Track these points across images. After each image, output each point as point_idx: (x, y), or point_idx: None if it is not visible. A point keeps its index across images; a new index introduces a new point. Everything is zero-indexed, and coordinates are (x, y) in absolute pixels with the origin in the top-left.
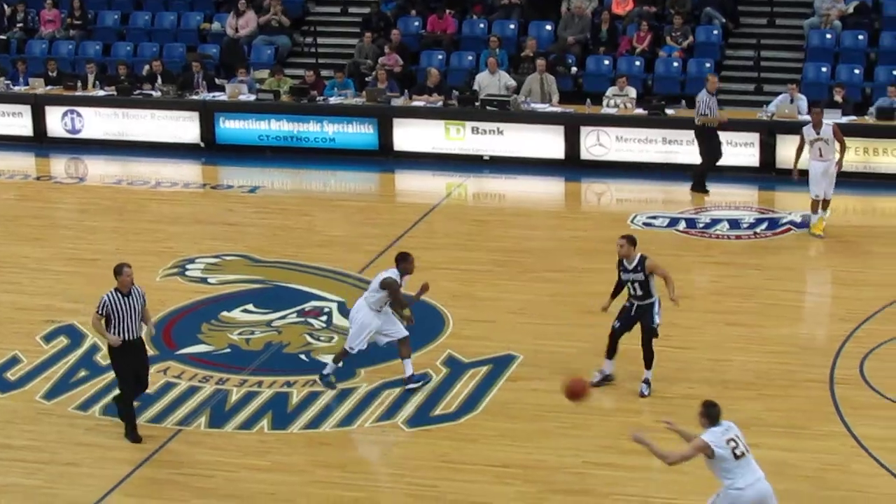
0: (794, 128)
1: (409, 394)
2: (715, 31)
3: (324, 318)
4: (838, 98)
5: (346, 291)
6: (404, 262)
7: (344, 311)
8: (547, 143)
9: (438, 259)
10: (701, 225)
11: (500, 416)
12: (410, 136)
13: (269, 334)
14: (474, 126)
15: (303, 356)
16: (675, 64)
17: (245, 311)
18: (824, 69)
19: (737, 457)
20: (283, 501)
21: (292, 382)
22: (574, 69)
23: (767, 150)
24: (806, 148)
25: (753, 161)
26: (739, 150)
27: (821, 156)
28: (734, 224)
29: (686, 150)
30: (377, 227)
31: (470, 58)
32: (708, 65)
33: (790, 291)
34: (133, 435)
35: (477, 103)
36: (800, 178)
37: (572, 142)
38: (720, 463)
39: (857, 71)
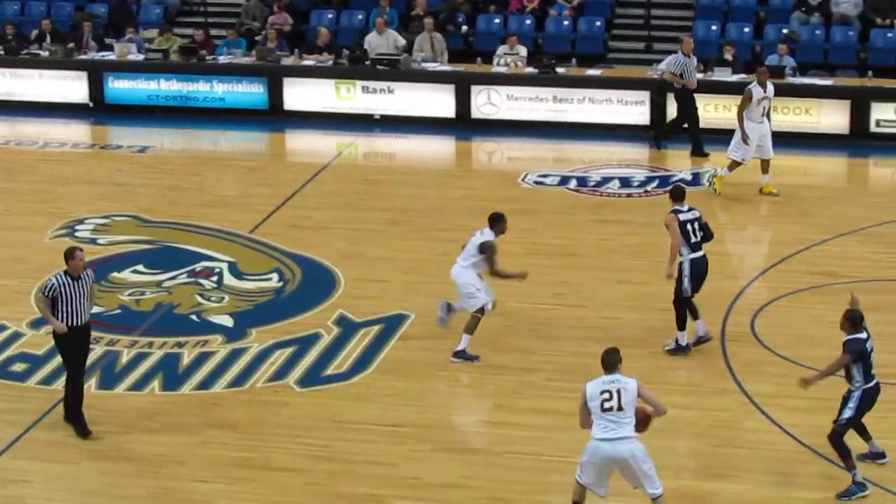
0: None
1: (301, 354)
2: None
3: (214, 278)
4: (728, 56)
5: (236, 251)
6: (500, 223)
7: (235, 271)
8: (438, 102)
9: (329, 219)
10: (592, 183)
11: (392, 376)
12: (301, 95)
13: (159, 295)
14: (365, 85)
15: (194, 317)
16: (566, 22)
17: (135, 271)
18: (714, 27)
19: (603, 410)
20: (175, 462)
21: (183, 343)
22: (464, 28)
23: (658, 108)
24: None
25: (644, 119)
26: (630, 108)
27: (763, 115)
28: (625, 182)
29: (576, 109)
30: (267, 186)
31: (360, 17)
32: (598, 23)
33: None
34: (83, 429)
35: (367, 62)
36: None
37: (463, 101)
38: (591, 412)
39: (746, 29)
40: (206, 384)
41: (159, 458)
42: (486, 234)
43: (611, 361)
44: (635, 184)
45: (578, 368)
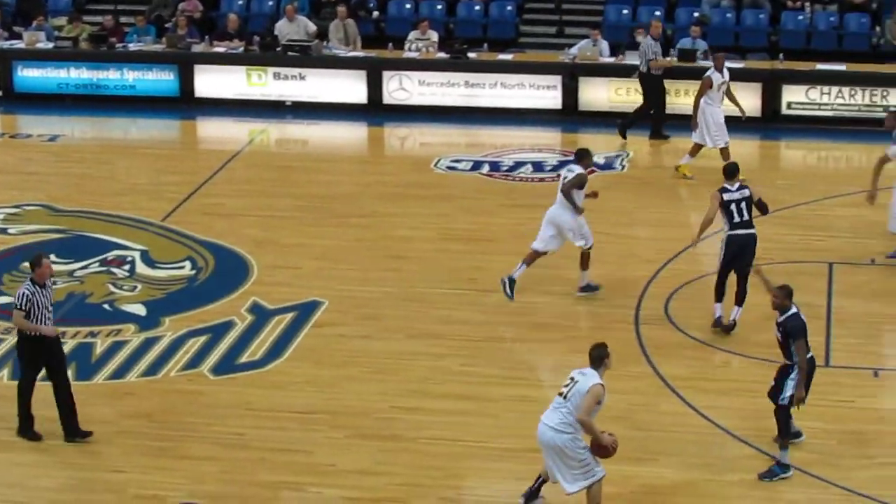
0: (595, 71)
1: (214, 342)
2: None
3: (126, 266)
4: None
5: (149, 240)
6: (587, 157)
7: (147, 259)
8: (349, 88)
9: (242, 206)
10: (504, 168)
11: (306, 363)
12: (212, 82)
13: (71, 284)
14: (276, 72)
15: (106, 306)
16: (477, 7)
17: None
18: (625, 11)
19: (559, 392)
20: (89, 453)
21: (96, 333)
22: (376, 13)
23: (570, 92)
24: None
25: (556, 104)
26: (542, 92)
27: (722, 100)
28: (538, 167)
29: (488, 94)
30: (179, 174)
31: (270, 3)
32: (509, 8)
33: (595, 233)
34: (31, 432)
35: (278, 49)
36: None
37: (375, 86)
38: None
39: (657, 13)
40: (119, 374)
41: (73, 448)
42: (577, 169)
43: (591, 355)
44: (548, 168)
45: (492, 353)
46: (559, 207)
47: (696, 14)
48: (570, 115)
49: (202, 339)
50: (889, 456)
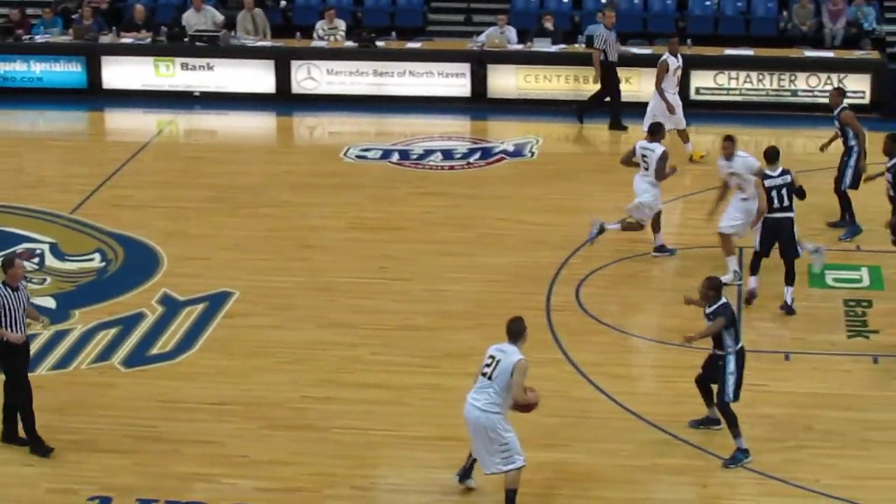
0: (503, 58)
1: (125, 334)
2: None
3: (36, 259)
4: (548, 26)
5: (58, 232)
6: (659, 132)
7: (56, 252)
8: (258, 77)
9: (151, 197)
10: (414, 156)
11: (217, 354)
12: (119, 73)
13: None
14: (184, 62)
15: None
16: None
17: None
18: None
19: (481, 373)
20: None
21: None
22: (283, 3)
23: (478, 80)
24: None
25: (465, 91)
26: (451, 80)
27: (676, 85)
28: (447, 155)
29: (397, 82)
30: (87, 166)
31: None
32: None
33: (505, 220)
34: (44, 448)
35: (186, 39)
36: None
37: (283, 76)
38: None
39: (565, 0)
40: (29, 367)
41: None
42: (658, 148)
43: (509, 330)
44: (457, 156)
45: (403, 342)
46: (643, 182)
47: (603, 0)
48: (478, 103)
49: (113, 331)
50: (800, 439)
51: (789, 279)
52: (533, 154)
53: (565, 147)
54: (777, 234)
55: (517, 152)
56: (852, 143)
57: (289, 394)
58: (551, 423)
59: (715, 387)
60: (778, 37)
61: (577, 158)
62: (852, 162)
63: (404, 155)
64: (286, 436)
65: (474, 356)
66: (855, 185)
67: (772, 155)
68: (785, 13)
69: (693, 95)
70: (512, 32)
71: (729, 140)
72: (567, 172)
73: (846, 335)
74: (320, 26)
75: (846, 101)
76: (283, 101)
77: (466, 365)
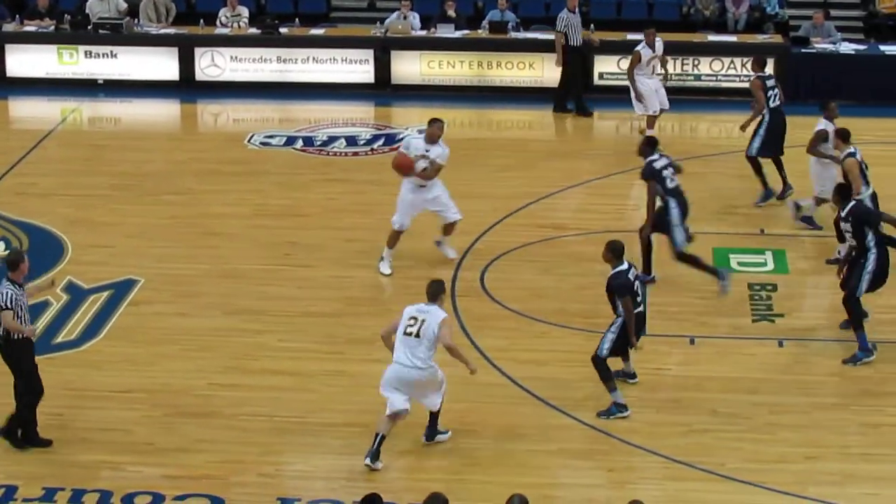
0: (407, 44)
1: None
2: None
3: None
4: (451, 13)
5: None
6: (829, 107)
7: None
8: (161, 65)
9: (55, 185)
10: (318, 143)
11: (123, 341)
12: (23, 61)
13: None
14: (87, 50)
15: None
16: None
17: None
18: None
19: (405, 334)
20: None
21: None
22: None
23: (382, 66)
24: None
25: (368, 78)
26: (354, 67)
27: (654, 72)
28: (351, 141)
29: (300, 69)
30: None
31: None
32: None
33: None
34: (39, 439)
35: (89, 27)
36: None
37: (187, 63)
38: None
39: None
40: None
41: None
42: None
43: (430, 291)
44: (361, 142)
45: (309, 328)
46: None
47: None
48: (382, 89)
49: None
50: (705, 423)
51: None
52: None
53: (470, 132)
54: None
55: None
56: (763, 111)
57: (195, 381)
58: (458, 408)
59: None
60: (681, 21)
61: (482, 143)
62: (761, 130)
63: (308, 142)
64: (192, 423)
65: (379, 342)
66: (762, 153)
67: (844, 134)
68: None
69: (597, 80)
70: (415, 18)
71: None
72: (471, 158)
73: (751, 319)
74: (223, 13)
75: (768, 71)
76: (187, 88)
77: (371, 351)
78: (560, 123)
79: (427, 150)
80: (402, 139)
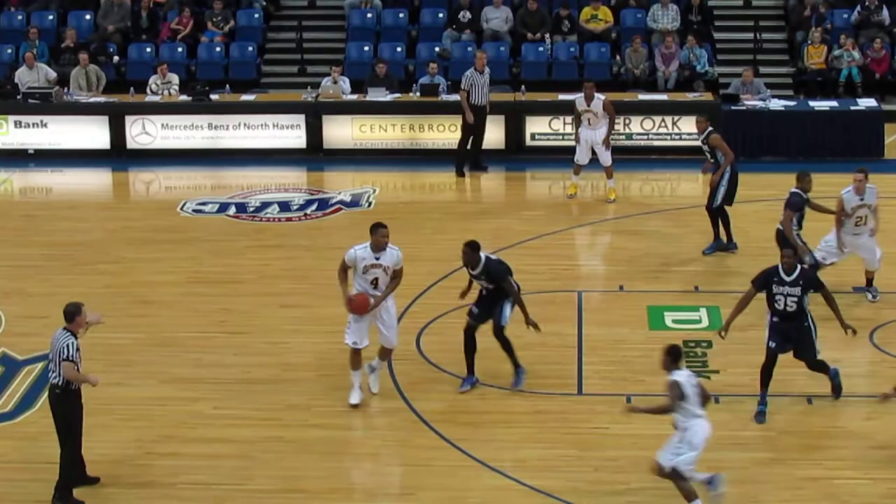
0: (339, 108)
1: None
2: (256, 15)
3: None
4: (381, 74)
5: None
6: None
7: None
8: (92, 133)
9: None
10: (251, 209)
11: None
12: None
13: None
14: (17, 120)
15: None
16: (218, 49)
17: None
18: (367, 48)
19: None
20: None
21: None
22: (116, 58)
23: (314, 131)
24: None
25: (300, 143)
26: (286, 132)
27: (589, 124)
28: (284, 206)
29: (232, 135)
30: None
31: (9, 51)
32: (251, 48)
33: None
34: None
35: (18, 97)
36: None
37: (117, 131)
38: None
39: (399, 49)
40: None
41: None
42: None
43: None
44: (294, 207)
45: (245, 395)
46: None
47: (436, 49)
48: (314, 154)
49: None
50: (643, 480)
51: None
52: (370, 204)
53: (403, 195)
54: None
55: (354, 202)
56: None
57: (132, 450)
58: (395, 472)
59: None
60: (611, 81)
61: (415, 207)
62: (724, 181)
63: (241, 208)
64: (131, 493)
65: (316, 408)
66: (725, 202)
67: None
68: (618, 57)
69: (528, 141)
70: (346, 83)
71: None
72: (405, 221)
73: None
74: (153, 81)
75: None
76: (119, 156)
77: (308, 416)
78: (494, 184)
79: (377, 259)
80: (335, 203)
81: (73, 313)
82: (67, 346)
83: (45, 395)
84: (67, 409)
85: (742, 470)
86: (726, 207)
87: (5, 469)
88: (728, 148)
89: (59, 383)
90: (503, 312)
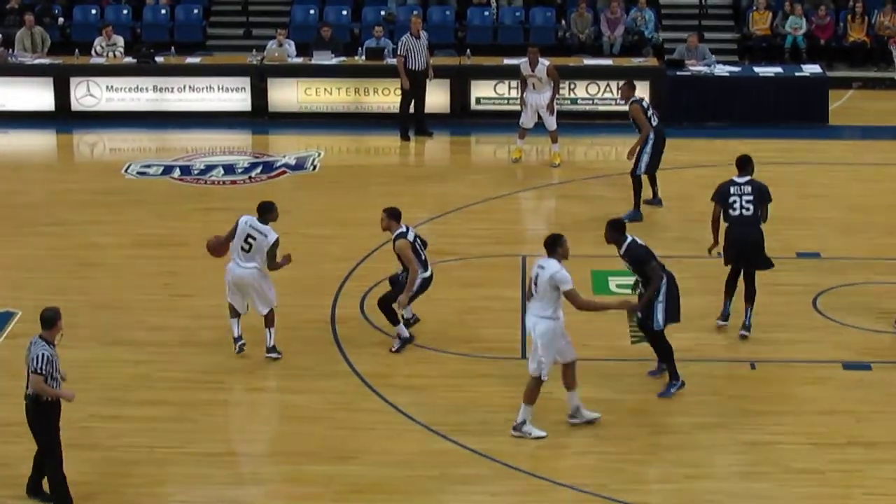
0: (284, 71)
1: None
2: None
3: None
4: (326, 37)
5: None
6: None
7: None
8: (37, 95)
9: None
10: (196, 172)
11: (2, 375)
12: None
13: None
14: None
15: None
16: (163, 11)
17: None
18: (312, 11)
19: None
20: None
21: None
22: (61, 20)
23: (259, 94)
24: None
25: (245, 106)
26: (231, 94)
27: (534, 89)
28: (229, 169)
29: (177, 98)
30: None
31: None
32: (196, 11)
33: (288, 234)
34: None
35: None
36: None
37: (62, 93)
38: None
39: (344, 12)
40: None
41: None
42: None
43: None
44: (239, 171)
45: (187, 358)
46: None
47: (382, 13)
48: (259, 117)
49: None
50: (584, 444)
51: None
52: (315, 167)
53: (347, 159)
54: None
55: (299, 166)
56: (649, 132)
57: (75, 413)
58: (339, 435)
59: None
60: (557, 45)
61: (359, 171)
62: (647, 149)
63: (186, 170)
64: (73, 455)
65: (259, 371)
66: (648, 170)
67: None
68: (563, 22)
69: (474, 105)
70: (291, 46)
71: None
72: (349, 184)
73: (631, 341)
74: (98, 43)
75: (639, 94)
76: (63, 118)
77: (252, 380)
78: (439, 148)
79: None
80: (280, 166)
81: (52, 319)
82: (38, 356)
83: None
84: (43, 424)
85: (685, 435)
86: (645, 176)
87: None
88: (645, 120)
89: (30, 394)
90: (656, 317)
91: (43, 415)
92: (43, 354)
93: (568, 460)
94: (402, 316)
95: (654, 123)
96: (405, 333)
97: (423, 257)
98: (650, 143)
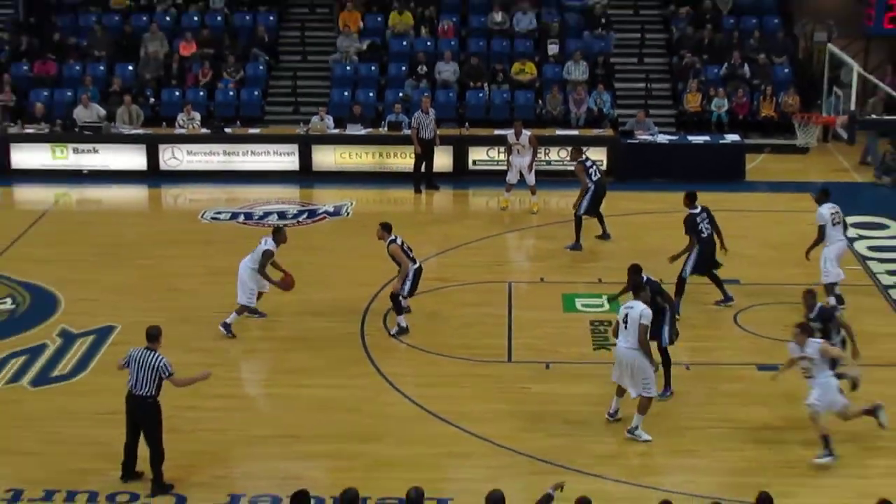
0: (324, 140)
1: (32, 361)
2: (260, 67)
3: None
4: (357, 114)
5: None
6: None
7: None
8: (133, 158)
9: (51, 253)
10: (256, 217)
11: (106, 374)
12: (23, 156)
13: None
14: (75, 147)
15: None
16: (231, 93)
17: None
18: (346, 93)
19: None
20: None
21: None
22: (152, 100)
23: (305, 157)
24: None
25: (294, 166)
26: (283, 157)
27: (518, 153)
28: (282, 215)
29: (241, 159)
30: (1, 230)
31: (69, 94)
32: (256, 93)
33: (327, 266)
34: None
35: (76, 129)
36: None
37: (153, 157)
38: None
39: (371, 94)
40: None
41: None
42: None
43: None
44: (289, 216)
45: (247, 362)
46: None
47: (400, 94)
48: (305, 175)
49: (22, 359)
50: (559, 428)
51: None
52: (349, 214)
53: (374, 207)
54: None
55: (336, 212)
56: (588, 185)
57: (162, 404)
58: (367, 422)
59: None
60: (535, 119)
61: (383, 216)
62: (588, 196)
63: (248, 216)
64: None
65: (302, 372)
66: (587, 213)
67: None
68: (540, 101)
69: (471, 166)
70: (330, 120)
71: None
72: (375, 227)
73: (593, 348)
74: (181, 117)
75: (585, 155)
76: (153, 176)
77: (299, 378)
78: (444, 199)
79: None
80: (321, 213)
81: (156, 335)
82: (165, 364)
83: (95, 360)
84: (157, 419)
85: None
86: (584, 217)
87: (64, 417)
88: (585, 177)
89: (152, 394)
90: (662, 335)
91: (158, 411)
92: (165, 360)
93: (546, 441)
94: (406, 307)
95: (596, 178)
96: (403, 324)
97: (412, 255)
98: (589, 193)
